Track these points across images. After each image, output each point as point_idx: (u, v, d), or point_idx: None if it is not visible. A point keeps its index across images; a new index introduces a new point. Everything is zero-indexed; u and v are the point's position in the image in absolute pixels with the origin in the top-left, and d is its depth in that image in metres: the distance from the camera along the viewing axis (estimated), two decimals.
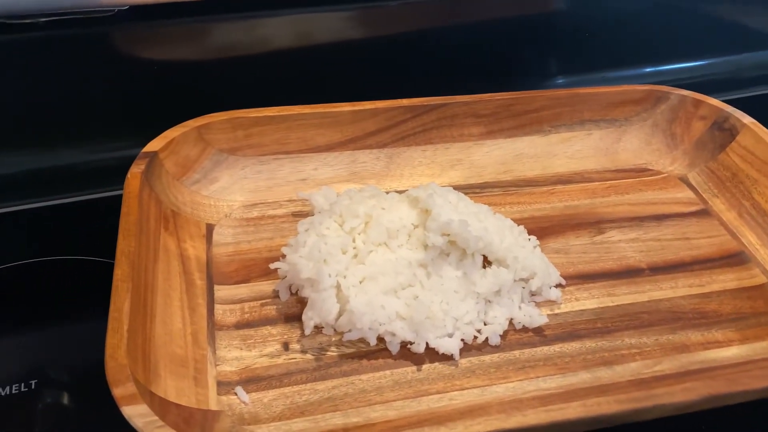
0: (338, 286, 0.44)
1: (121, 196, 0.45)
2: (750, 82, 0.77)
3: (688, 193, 0.58)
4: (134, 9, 0.52)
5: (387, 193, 0.50)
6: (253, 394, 0.40)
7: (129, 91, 0.58)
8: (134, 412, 0.33)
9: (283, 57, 0.61)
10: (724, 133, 0.58)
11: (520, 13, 0.68)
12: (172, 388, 0.38)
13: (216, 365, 0.42)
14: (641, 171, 0.60)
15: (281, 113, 0.54)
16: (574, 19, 0.70)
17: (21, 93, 0.55)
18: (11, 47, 0.53)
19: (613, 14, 0.71)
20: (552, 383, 0.42)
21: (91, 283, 0.49)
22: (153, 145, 0.50)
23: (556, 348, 0.44)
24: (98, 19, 0.52)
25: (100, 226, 0.48)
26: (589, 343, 0.45)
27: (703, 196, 0.57)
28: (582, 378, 0.42)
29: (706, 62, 0.76)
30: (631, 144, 0.61)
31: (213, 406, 0.39)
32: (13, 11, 0.48)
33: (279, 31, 0.60)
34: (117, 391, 0.34)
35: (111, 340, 0.36)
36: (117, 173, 0.48)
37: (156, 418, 0.34)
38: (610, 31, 0.72)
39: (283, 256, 0.46)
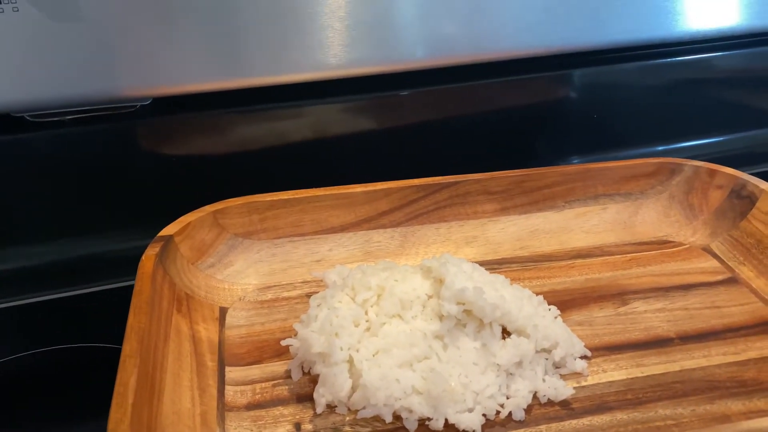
0: (351, 361, 0.42)
1: None
2: (763, 158, 0.76)
3: (713, 263, 0.56)
4: (155, 104, 0.55)
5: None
6: None
7: (148, 182, 0.60)
8: None
9: (298, 146, 0.63)
10: (743, 200, 0.57)
11: (529, 99, 0.70)
12: None
13: None
14: (662, 243, 0.59)
15: (296, 196, 0.55)
16: (583, 103, 0.72)
17: (46, 186, 0.57)
18: (35, 143, 0.56)
19: (622, 96, 0.72)
20: None
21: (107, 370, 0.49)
22: (169, 229, 0.51)
23: (585, 421, 0.41)
24: (122, 115, 0.55)
25: (119, 315, 0.48)
26: (620, 416, 0.42)
27: (729, 264, 0.55)
28: None
29: (718, 140, 0.77)
30: (649, 217, 0.60)
31: None
32: (39, 108, 0.51)
33: (292, 121, 0.62)
34: None
35: (114, 414, 0.35)
36: (135, 262, 0.48)
37: None
38: (620, 112, 0.73)
39: (295, 333, 0.45)
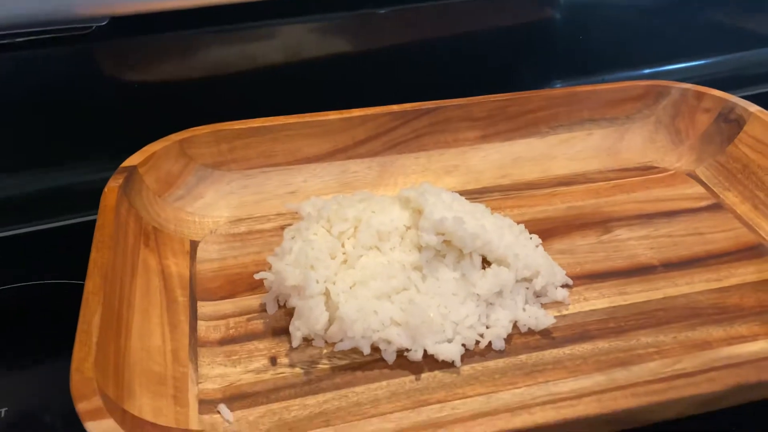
0: (327, 294, 0.41)
1: None
2: (750, 81, 0.74)
3: (698, 189, 0.55)
4: (113, 25, 0.51)
5: None
6: (238, 412, 0.37)
7: (109, 110, 0.56)
8: (99, 427, 0.31)
9: (270, 69, 0.59)
10: (730, 124, 0.55)
11: (514, 19, 0.67)
12: (148, 406, 0.35)
13: (198, 383, 0.39)
14: (647, 169, 0.57)
15: (266, 124, 0.52)
16: (569, 25, 0.68)
17: None
18: None
19: (608, 18, 0.69)
20: (563, 387, 0.38)
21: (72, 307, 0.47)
22: (132, 160, 0.48)
23: (566, 350, 0.41)
24: (76, 37, 0.51)
25: (84, 251, 0.46)
26: (601, 344, 0.41)
27: (714, 190, 0.54)
28: (596, 380, 0.39)
29: (706, 62, 0.75)
30: (634, 142, 0.58)
31: (193, 425, 0.36)
32: None
33: (264, 42, 0.58)
34: (81, 406, 0.31)
35: (78, 353, 0.34)
36: (99, 196, 0.46)
37: None
38: (607, 34, 0.70)
39: (270, 266, 0.43)
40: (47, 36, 0.50)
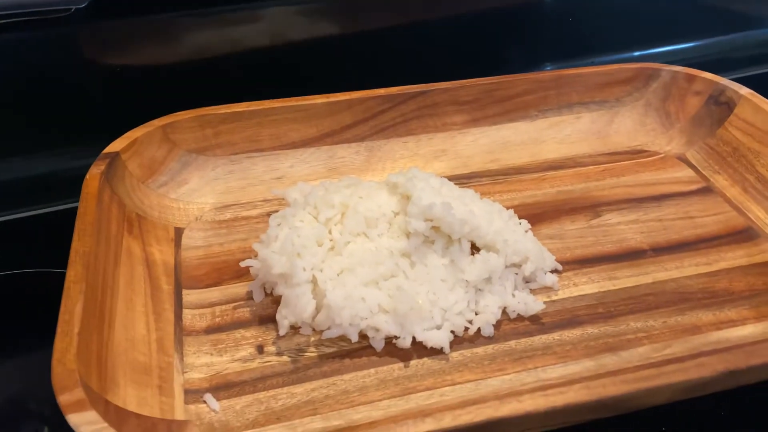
0: (314, 281, 0.40)
1: None
2: (740, 63, 0.74)
3: (688, 172, 0.54)
4: (93, 7, 0.49)
5: None
6: (224, 401, 0.37)
7: (90, 95, 0.55)
8: (81, 419, 0.30)
9: (255, 53, 0.58)
10: (720, 107, 0.55)
11: (503, 2, 0.66)
12: (132, 397, 0.35)
13: (183, 372, 0.38)
14: (637, 153, 0.57)
15: (251, 108, 0.51)
16: (559, 7, 0.68)
17: None
18: None
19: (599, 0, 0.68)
20: (553, 373, 0.38)
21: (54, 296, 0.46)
22: (115, 146, 0.47)
23: (556, 336, 0.41)
24: (56, 20, 0.49)
25: (65, 239, 0.45)
26: (591, 330, 0.41)
27: (704, 173, 0.54)
28: (585, 366, 0.39)
29: (696, 44, 0.74)
30: (624, 126, 0.58)
31: (179, 415, 0.36)
32: None
33: (249, 25, 0.57)
34: (63, 398, 0.31)
35: (59, 344, 0.33)
36: (81, 182, 0.45)
37: (106, 425, 0.30)
38: (596, 16, 0.69)
39: (256, 254, 0.43)
40: (25, 18, 0.49)
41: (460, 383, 0.38)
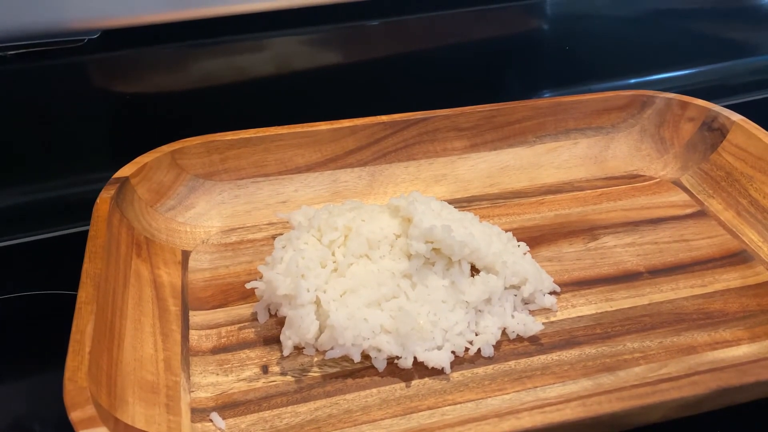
0: (318, 302, 0.41)
1: None
2: (732, 91, 0.76)
3: (683, 196, 0.56)
4: (105, 38, 0.51)
5: None
6: (230, 420, 0.38)
7: (101, 122, 0.57)
8: None
9: (261, 81, 0.60)
10: (714, 133, 0.57)
11: (501, 31, 0.67)
12: (140, 415, 0.36)
13: (190, 392, 0.39)
14: (633, 177, 0.58)
15: (257, 135, 0.53)
16: (556, 36, 0.69)
17: None
18: None
19: (594, 28, 0.70)
20: (551, 392, 0.39)
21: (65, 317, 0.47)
22: (124, 171, 0.48)
23: (554, 356, 0.41)
24: (68, 50, 0.51)
25: (76, 261, 0.46)
26: (588, 350, 0.42)
27: (699, 197, 0.55)
28: (583, 386, 0.39)
29: (690, 72, 0.76)
30: (620, 151, 0.59)
31: None
32: None
33: (255, 54, 0.59)
34: (74, 415, 0.31)
35: (71, 362, 0.34)
36: (92, 206, 0.46)
37: None
38: (593, 45, 0.71)
39: (261, 276, 0.44)
40: (39, 49, 0.50)
41: (460, 402, 0.38)
